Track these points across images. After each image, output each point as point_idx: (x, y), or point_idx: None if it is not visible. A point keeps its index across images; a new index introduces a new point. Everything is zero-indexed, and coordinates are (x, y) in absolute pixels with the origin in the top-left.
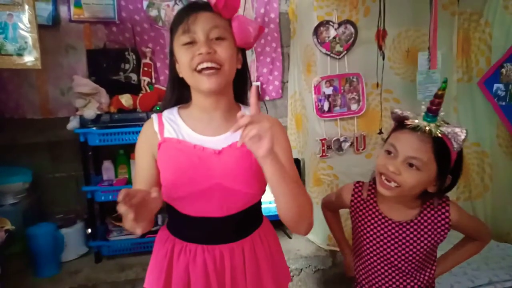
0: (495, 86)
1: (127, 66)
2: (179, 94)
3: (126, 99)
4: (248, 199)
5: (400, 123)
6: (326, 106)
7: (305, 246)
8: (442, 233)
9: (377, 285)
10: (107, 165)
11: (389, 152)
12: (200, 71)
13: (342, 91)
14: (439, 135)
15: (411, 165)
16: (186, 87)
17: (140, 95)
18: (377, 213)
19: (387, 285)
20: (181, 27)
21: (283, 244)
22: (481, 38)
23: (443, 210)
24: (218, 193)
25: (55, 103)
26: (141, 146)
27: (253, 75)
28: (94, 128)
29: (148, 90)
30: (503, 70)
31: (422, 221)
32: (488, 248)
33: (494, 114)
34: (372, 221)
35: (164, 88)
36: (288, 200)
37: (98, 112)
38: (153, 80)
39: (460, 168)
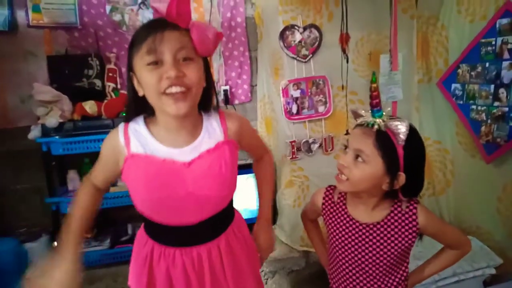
0: (453, 86)
1: (90, 72)
2: (141, 110)
3: (90, 106)
4: (220, 201)
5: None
6: (294, 109)
7: (278, 248)
8: (410, 236)
9: None
10: (72, 175)
11: (345, 147)
12: (167, 94)
13: (309, 93)
14: (383, 128)
15: (358, 157)
16: (148, 104)
17: (105, 101)
18: (345, 215)
19: None
20: (146, 45)
21: None
22: (438, 40)
23: (410, 213)
24: (191, 203)
25: (14, 112)
26: (107, 151)
27: (222, 79)
28: (57, 137)
29: (114, 96)
30: (460, 71)
31: (389, 223)
32: None
33: (453, 113)
34: (341, 223)
35: None
36: None
37: (61, 120)
38: (119, 86)
39: (417, 166)
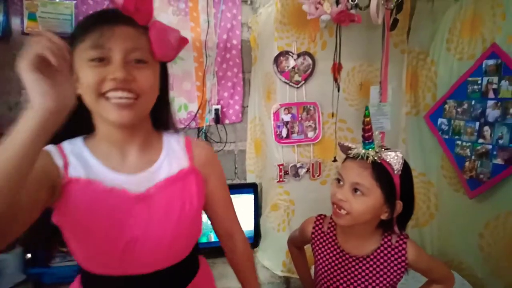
0: (440, 120)
1: None
2: (77, 117)
3: None
4: (180, 248)
5: (346, 154)
6: (284, 133)
7: (260, 273)
8: (399, 271)
9: None
10: None
11: (338, 181)
12: (107, 97)
13: (299, 118)
14: (378, 160)
15: (356, 190)
16: (86, 109)
17: None
18: (335, 246)
19: None
20: (91, 37)
21: None
22: (427, 75)
23: (400, 248)
24: (142, 249)
25: (0, 119)
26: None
27: (214, 98)
28: None
29: None
30: (446, 106)
31: (378, 257)
32: None
33: (439, 147)
34: (331, 254)
35: None
36: None
37: None
38: None
39: (410, 194)
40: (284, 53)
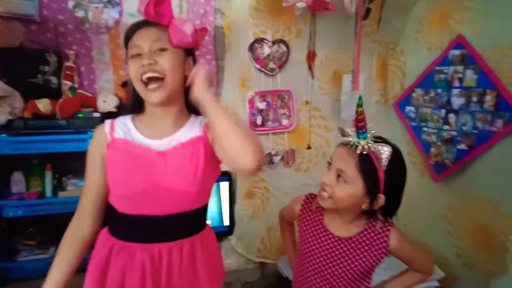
0: (407, 108)
1: (46, 68)
2: (139, 104)
3: (44, 104)
4: (189, 198)
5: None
6: (259, 120)
7: (234, 260)
8: (379, 256)
9: None
10: (17, 177)
11: (328, 164)
12: (146, 84)
13: (274, 106)
14: (366, 151)
15: (339, 177)
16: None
17: (61, 100)
18: (321, 226)
19: None
20: (132, 41)
21: None
22: (397, 65)
23: (383, 234)
24: (158, 192)
25: None
26: (92, 149)
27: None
28: (4, 135)
29: (70, 95)
30: (414, 95)
31: (360, 240)
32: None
33: (407, 134)
34: (315, 232)
35: (88, 94)
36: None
37: (10, 117)
38: (76, 85)
39: (396, 189)
40: (259, 40)
